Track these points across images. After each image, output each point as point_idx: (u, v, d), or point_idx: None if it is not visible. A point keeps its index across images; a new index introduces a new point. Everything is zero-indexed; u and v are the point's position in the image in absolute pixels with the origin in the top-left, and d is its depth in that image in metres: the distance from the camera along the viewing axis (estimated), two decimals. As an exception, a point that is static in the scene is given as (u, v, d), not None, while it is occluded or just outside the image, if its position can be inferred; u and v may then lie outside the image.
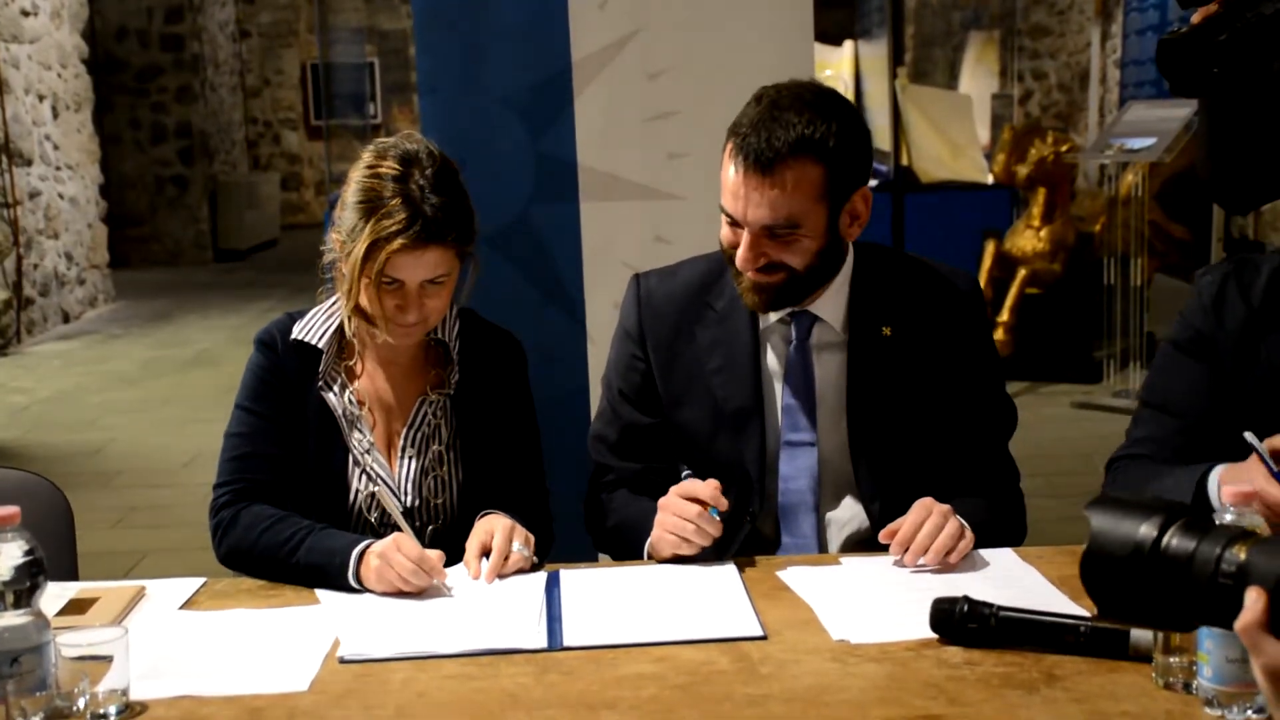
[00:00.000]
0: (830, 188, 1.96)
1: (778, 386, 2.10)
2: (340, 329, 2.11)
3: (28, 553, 1.44)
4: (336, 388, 2.11)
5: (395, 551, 1.86)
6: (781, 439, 2.09)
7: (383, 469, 2.10)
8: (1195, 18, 1.80)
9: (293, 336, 2.11)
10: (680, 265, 2.22)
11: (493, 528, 1.96)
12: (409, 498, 2.10)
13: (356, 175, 2.01)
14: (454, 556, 1.98)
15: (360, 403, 2.12)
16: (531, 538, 1.98)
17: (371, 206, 1.96)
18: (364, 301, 2.01)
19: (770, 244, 1.97)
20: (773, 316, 2.10)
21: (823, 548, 2.09)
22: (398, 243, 1.94)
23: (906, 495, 1.99)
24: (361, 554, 1.88)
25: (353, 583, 1.88)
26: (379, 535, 2.00)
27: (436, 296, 2.02)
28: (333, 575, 1.89)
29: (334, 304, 2.12)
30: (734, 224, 1.99)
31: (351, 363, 2.13)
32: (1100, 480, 2.00)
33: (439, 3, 2.99)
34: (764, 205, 1.93)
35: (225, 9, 14.35)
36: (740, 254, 1.98)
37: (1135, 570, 1.12)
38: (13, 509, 1.46)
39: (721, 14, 2.95)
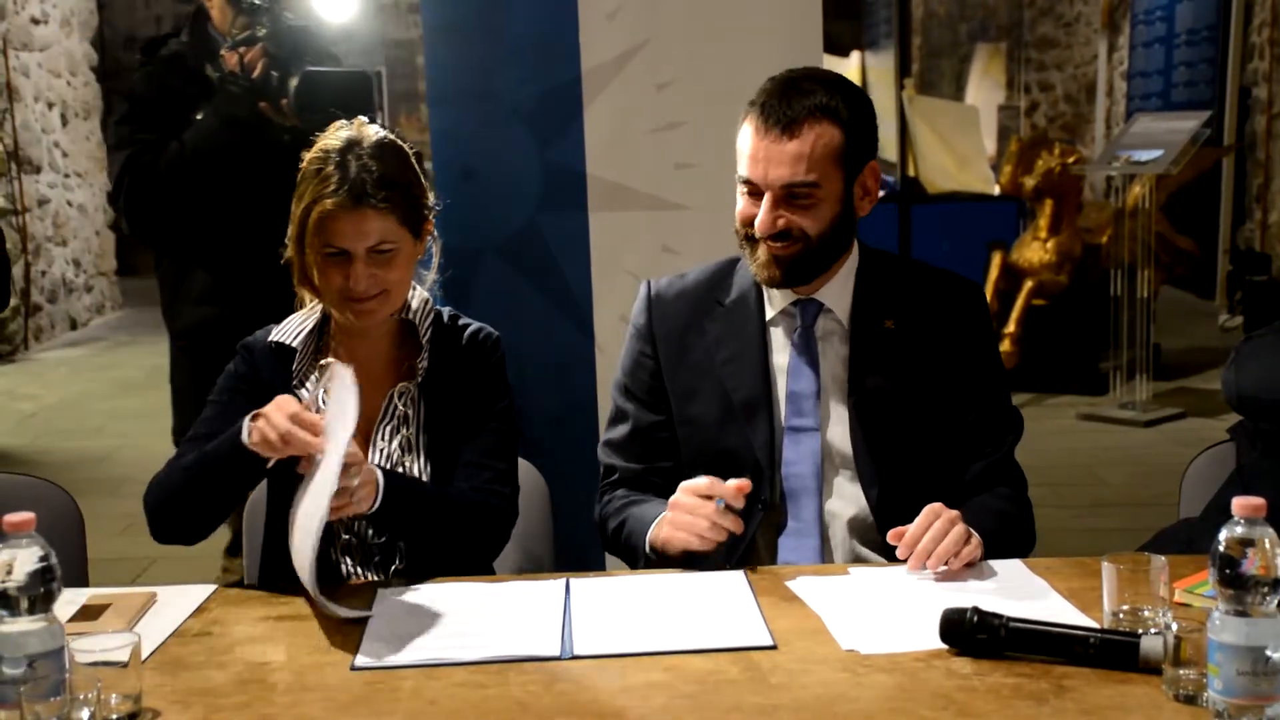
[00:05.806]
0: (847, 153, 2.03)
1: (782, 375, 2.13)
2: (316, 328, 2.15)
3: (42, 559, 1.44)
4: (310, 384, 2.13)
5: (275, 410, 1.89)
6: (785, 424, 2.11)
7: None
8: None
9: (270, 339, 2.14)
10: (690, 270, 2.27)
11: None
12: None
13: (307, 156, 2.07)
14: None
15: None
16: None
17: (310, 175, 2.04)
18: (316, 280, 2.06)
19: (788, 207, 2.02)
20: (779, 303, 2.14)
21: (824, 533, 2.11)
22: (329, 203, 2.00)
23: (905, 484, 2.04)
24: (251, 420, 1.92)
25: (245, 441, 1.90)
26: (348, 529, 2.04)
27: (387, 268, 2.04)
28: (226, 452, 1.93)
29: (312, 306, 2.15)
30: (753, 192, 2.03)
31: (327, 360, 2.14)
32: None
33: (448, 12, 3.00)
34: (785, 164, 1.99)
35: (233, 17, 14.37)
36: (760, 218, 2.02)
37: None
38: (27, 515, 1.46)
39: (730, 25, 2.97)
